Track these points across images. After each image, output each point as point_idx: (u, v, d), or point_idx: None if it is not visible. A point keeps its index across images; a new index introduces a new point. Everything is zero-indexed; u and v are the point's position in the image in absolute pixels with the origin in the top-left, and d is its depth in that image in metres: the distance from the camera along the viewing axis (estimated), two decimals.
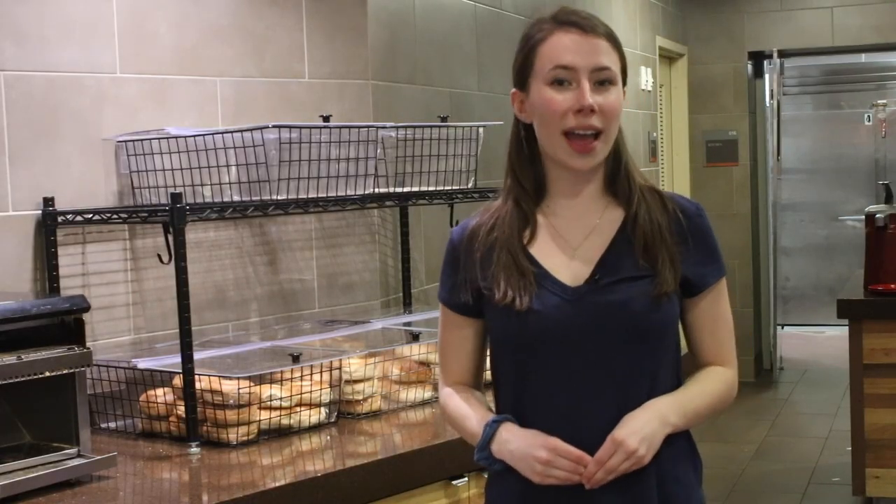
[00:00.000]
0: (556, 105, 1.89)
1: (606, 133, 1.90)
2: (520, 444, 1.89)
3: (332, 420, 2.84)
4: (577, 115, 1.88)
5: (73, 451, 2.39)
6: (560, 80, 1.89)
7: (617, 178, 1.97)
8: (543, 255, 1.95)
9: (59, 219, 2.80)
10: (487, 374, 2.09)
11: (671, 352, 1.95)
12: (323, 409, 2.81)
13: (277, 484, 2.36)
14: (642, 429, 1.85)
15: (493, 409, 2.03)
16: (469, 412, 2.00)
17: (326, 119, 3.10)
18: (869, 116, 9.67)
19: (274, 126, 2.89)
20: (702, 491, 2.01)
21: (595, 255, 1.93)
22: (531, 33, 1.94)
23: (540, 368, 1.92)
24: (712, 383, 1.98)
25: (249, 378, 2.70)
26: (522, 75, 1.95)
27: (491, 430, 1.93)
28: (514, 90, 1.98)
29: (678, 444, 1.94)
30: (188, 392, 2.61)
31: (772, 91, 8.70)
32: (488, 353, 2.06)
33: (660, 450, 1.88)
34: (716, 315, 1.99)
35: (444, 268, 2.04)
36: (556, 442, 1.86)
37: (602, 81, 1.89)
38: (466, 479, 2.68)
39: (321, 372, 2.83)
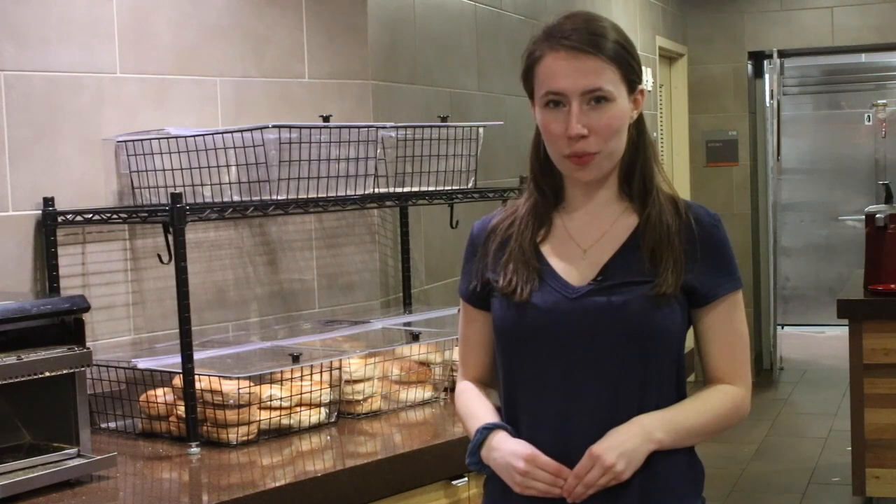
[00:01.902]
0: (550, 129, 1.90)
1: (605, 150, 1.90)
2: (503, 454, 1.91)
3: (332, 420, 2.84)
4: (570, 142, 1.88)
5: (73, 451, 2.39)
6: (555, 102, 1.89)
7: (632, 179, 1.96)
8: (553, 254, 1.96)
9: (59, 219, 2.80)
10: None
11: (669, 360, 1.93)
12: (323, 409, 2.81)
13: (277, 484, 2.36)
14: (622, 444, 1.84)
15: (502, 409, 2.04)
16: (474, 413, 2.02)
17: (326, 119, 3.10)
18: (869, 116, 9.67)
19: (274, 126, 2.88)
20: (702, 500, 2.00)
21: (603, 259, 1.94)
22: (530, 50, 1.94)
23: (532, 363, 1.93)
24: (713, 401, 1.95)
25: (249, 378, 2.70)
26: (528, 90, 1.97)
27: (481, 436, 1.95)
28: (530, 101, 1.99)
29: (677, 455, 1.93)
30: (188, 392, 2.61)
31: (772, 91, 8.70)
32: None
33: (654, 460, 1.87)
34: (727, 329, 1.96)
35: (463, 261, 2.08)
36: (536, 454, 1.87)
37: (597, 99, 1.88)
38: (466, 479, 2.68)
39: (321, 372, 2.83)
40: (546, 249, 1.97)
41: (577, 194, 1.98)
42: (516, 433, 1.94)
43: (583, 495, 1.85)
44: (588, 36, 1.88)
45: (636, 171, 1.96)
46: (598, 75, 1.87)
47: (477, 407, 2.02)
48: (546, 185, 1.99)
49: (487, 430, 1.95)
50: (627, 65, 1.91)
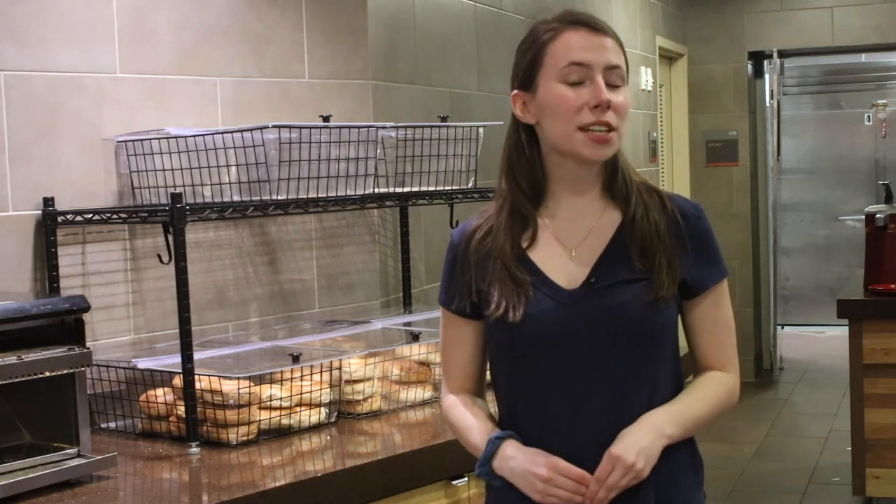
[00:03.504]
0: (570, 102, 1.88)
1: (619, 130, 1.90)
2: (521, 462, 1.88)
3: (332, 420, 2.84)
4: (594, 111, 1.87)
5: (73, 451, 2.39)
6: (574, 78, 1.88)
7: (615, 179, 1.96)
8: (542, 257, 1.94)
9: (59, 219, 2.80)
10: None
11: (669, 355, 1.94)
12: (323, 409, 2.81)
13: (277, 484, 2.36)
14: (639, 442, 1.84)
15: (497, 416, 2.02)
16: (472, 423, 1.99)
17: (326, 119, 3.10)
18: (869, 116, 9.67)
19: (274, 126, 2.89)
20: (703, 494, 2.01)
21: (592, 258, 1.92)
22: (538, 33, 1.93)
23: (534, 372, 1.92)
24: (711, 390, 1.96)
25: (249, 378, 2.70)
26: (529, 75, 1.93)
27: (494, 446, 1.92)
28: (515, 92, 1.95)
29: (678, 451, 1.93)
30: (188, 392, 2.61)
31: (772, 91, 8.70)
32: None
33: (660, 457, 1.87)
34: (716, 318, 1.98)
35: (444, 269, 2.03)
36: (557, 461, 1.85)
37: (613, 80, 1.90)
38: (466, 479, 2.68)
39: (321, 372, 2.83)
40: (533, 254, 1.94)
41: (563, 191, 1.95)
42: (522, 441, 1.92)
43: (605, 500, 1.84)
44: (599, 21, 1.93)
45: (618, 171, 1.96)
46: (616, 54, 1.91)
47: (474, 418, 2.00)
48: (526, 183, 1.96)
49: (500, 439, 1.92)
50: (626, 60, 1.95)
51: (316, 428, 2.79)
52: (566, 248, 1.94)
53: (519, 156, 1.96)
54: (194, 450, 2.60)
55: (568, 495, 1.84)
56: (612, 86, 1.89)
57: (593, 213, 1.96)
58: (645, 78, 7.17)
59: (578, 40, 1.89)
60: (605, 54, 1.89)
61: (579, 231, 1.95)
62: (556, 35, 1.91)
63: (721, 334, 1.99)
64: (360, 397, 2.90)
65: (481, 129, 3.55)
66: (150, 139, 2.97)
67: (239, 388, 2.64)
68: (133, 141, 2.99)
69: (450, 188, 3.45)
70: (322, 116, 3.13)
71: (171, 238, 2.63)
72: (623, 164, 1.97)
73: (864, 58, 9.59)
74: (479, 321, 2.00)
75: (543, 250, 1.95)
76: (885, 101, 9.60)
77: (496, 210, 1.98)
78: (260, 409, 2.69)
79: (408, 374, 3.04)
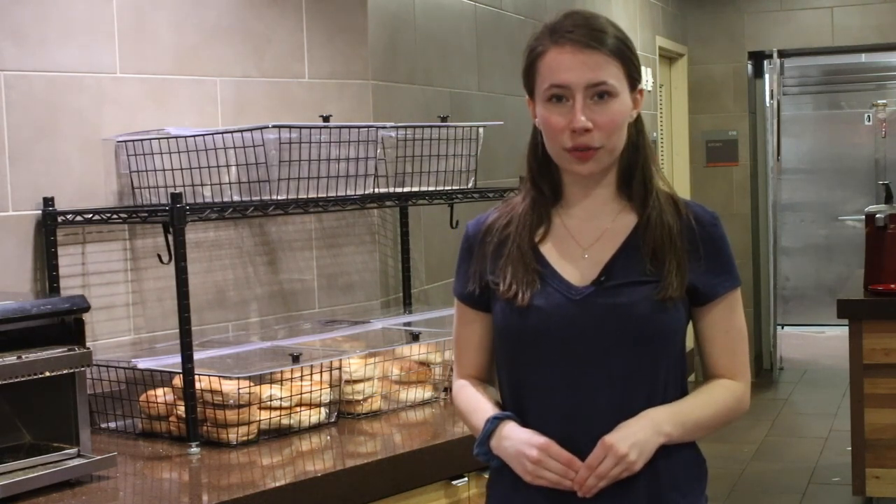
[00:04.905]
0: (552, 124, 1.90)
1: (607, 146, 1.90)
2: (515, 443, 1.90)
3: (332, 420, 2.85)
4: (573, 135, 1.88)
5: (73, 451, 2.39)
6: (558, 97, 1.89)
7: (632, 179, 1.97)
8: (553, 254, 1.96)
9: (59, 219, 2.80)
10: None
11: (674, 359, 1.94)
12: (323, 409, 2.81)
13: (277, 484, 2.36)
14: (635, 434, 1.85)
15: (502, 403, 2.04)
16: (477, 406, 2.01)
17: (326, 119, 3.11)
18: (869, 116, 9.67)
19: (274, 126, 2.89)
20: (705, 498, 2.00)
21: (604, 258, 1.94)
22: (532, 45, 1.94)
23: (539, 365, 1.93)
24: (717, 395, 1.97)
25: (249, 378, 2.70)
26: (528, 87, 1.97)
27: (491, 426, 1.94)
28: (527, 98, 1.99)
29: (681, 453, 1.94)
30: (188, 392, 2.61)
31: (772, 91, 8.70)
32: None
33: (659, 458, 1.88)
34: (727, 326, 1.98)
35: (458, 261, 2.06)
36: (549, 443, 1.87)
37: (601, 94, 1.88)
38: (466, 479, 2.69)
39: (321, 372, 2.83)
40: (546, 249, 1.97)
41: (575, 191, 1.98)
42: (523, 424, 1.93)
43: (594, 488, 1.85)
44: (591, 31, 1.89)
45: (636, 171, 1.97)
46: (603, 69, 1.88)
47: (480, 401, 2.02)
48: (544, 183, 1.99)
49: (498, 419, 1.95)
50: (629, 61, 1.92)
51: (316, 428, 2.79)
52: (578, 248, 1.96)
53: (535, 156, 2.00)
54: (194, 450, 2.60)
55: (556, 478, 1.86)
56: (599, 99, 1.88)
57: (608, 214, 1.97)
58: (645, 78, 7.17)
59: (561, 61, 1.88)
60: (588, 73, 1.87)
61: (593, 231, 1.96)
62: (543, 53, 1.91)
63: (733, 342, 1.98)
64: (360, 397, 2.90)
65: (481, 129, 3.55)
66: (150, 139, 2.97)
67: (239, 388, 2.64)
68: (133, 141, 2.99)
69: (450, 188, 3.45)
70: (322, 116, 3.13)
71: (171, 238, 2.63)
72: (643, 165, 1.96)
73: (864, 58, 9.59)
74: (489, 314, 2.02)
75: (556, 247, 1.97)
76: (885, 101, 9.60)
77: (520, 201, 2.01)
78: (260, 409, 2.69)
79: (408, 374, 3.05)
